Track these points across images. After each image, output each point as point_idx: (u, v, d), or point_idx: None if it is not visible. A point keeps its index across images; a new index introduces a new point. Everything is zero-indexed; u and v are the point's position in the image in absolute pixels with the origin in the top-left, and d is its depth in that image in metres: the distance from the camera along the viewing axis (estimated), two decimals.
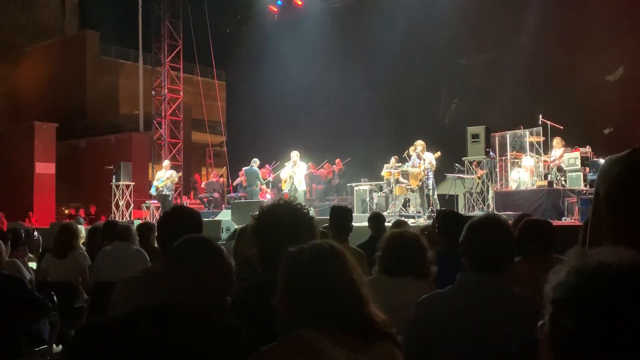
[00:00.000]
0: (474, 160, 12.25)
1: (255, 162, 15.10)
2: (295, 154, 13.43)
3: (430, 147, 12.52)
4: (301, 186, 13.41)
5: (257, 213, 2.35)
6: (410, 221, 9.85)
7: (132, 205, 16.77)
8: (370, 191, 14.28)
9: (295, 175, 13.29)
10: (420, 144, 12.27)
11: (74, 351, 1.73)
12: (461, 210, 11.96)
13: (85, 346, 1.71)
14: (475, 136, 11.99)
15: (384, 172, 13.80)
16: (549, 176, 11.88)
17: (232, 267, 1.90)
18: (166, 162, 15.84)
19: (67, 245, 5.84)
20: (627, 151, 2.02)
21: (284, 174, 13.60)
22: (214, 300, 1.80)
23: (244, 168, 15.61)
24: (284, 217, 2.25)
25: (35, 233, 7.34)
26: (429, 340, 2.26)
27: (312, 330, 1.59)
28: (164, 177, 14.84)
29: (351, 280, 1.67)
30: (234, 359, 1.74)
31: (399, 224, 5.74)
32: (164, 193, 14.74)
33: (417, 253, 3.08)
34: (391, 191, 13.54)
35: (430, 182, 12.03)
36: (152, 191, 15.35)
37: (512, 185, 12.19)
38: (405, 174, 13.11)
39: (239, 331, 1.82)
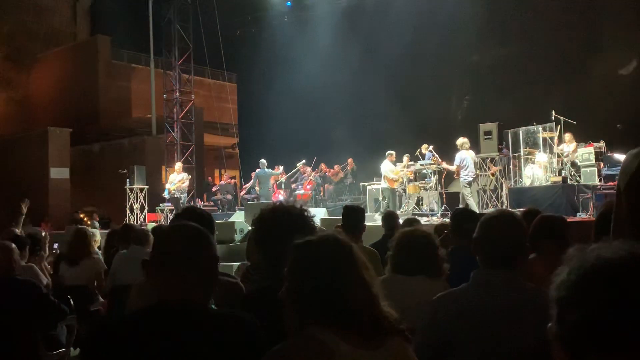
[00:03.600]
0: (487, 157, 12.18)
1: (263, 164, 15.19)
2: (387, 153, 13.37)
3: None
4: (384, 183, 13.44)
5: (256, 218, 2.34)
6: (423, 219, 9.83)
7: (146, 208, 16.85)
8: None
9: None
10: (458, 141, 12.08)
11: (86, 352, 1.75)
12: (475, 207, 11.90)
13: (97, 346, 1.72)
14: (487, 133, 11.92)
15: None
16: (563, 172, 11.79)
17: (212, 257, 1.85)
18: (178, 165, 15.90)
19: (81, 251, 5.87)
20: None
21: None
22: (198, 292, 1.77)
23: (257, 170, 15.66)
24: (282, 220, 2.24)
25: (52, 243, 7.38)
26: (443, 339, 2.25)
27: (322, 329, 1.57)
28: (176, 180, 14.93)
29: (360, 277, 1.64)
30: (248, 350, 1.72)
31: (410, 222, 5.72)
32: (176, 196, 14.83)
33: (428, 251, 3.06)
34: (404, 190, 13.50)
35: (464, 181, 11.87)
36: (165, 194, 15.46)
37: (526, 182, 12.11)
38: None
39: (251, 322, 1.80)
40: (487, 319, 2.17)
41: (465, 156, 11.66)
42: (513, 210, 8.72)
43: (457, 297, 2.30)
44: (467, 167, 11.60)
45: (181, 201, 14.86)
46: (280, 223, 2.23)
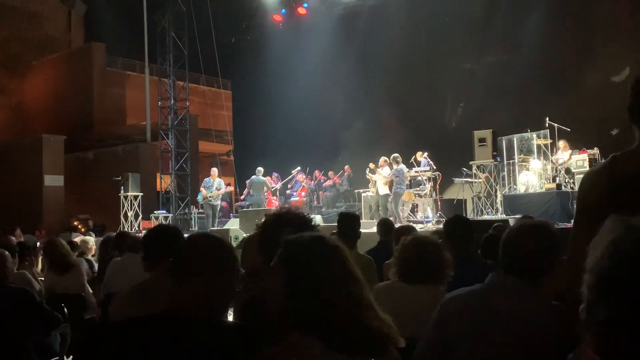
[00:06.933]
0: (482, 164, 12.20)
1: (260, 171, 15.16)
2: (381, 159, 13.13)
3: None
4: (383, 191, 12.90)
5: (261, 222, 2.33)
6: (418, 226, 9.83)
7: (140, 215, 16.79)
8: None
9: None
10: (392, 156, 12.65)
11: (80, 353, 1.74)
12: (470, 214, 11.91)
13: (92, 350, 1.70)
14: (482, 140, 11.95)
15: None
16: (557, 179, 11.83)
17: (236, 270, 1.87)
18: (215, 170, 15.52)
19: (62, 261, 5.76)
20: (606, 161, 1.98)
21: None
22: (219, 304, 1.77)
23: (252, 177, 15.62)
24: (288, 225, 2.23)
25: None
26: (445, 336, 2.23)
27: (307, 335, 1.50)
28: (213, 186, 14.88)
29: (353, 283, 1.58)
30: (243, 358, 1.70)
31: (406, 229, 5.71)
32: (212, 202, 14.83)
33: (438, 259, 3.06)
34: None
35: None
36: (199, 199, 15.47)
37: (521, 189, 12.13)
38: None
39: (249, 331, 1.78)
40: (490, 321, 2.15)
41: (401, 170, 12.37)
42: (508, 217, 8.73)
43: (466, 296, 2.28)
44: (402, 181, 12.37)
45: (217, 208, 15.09)
46: (284, 227, 2.22)
